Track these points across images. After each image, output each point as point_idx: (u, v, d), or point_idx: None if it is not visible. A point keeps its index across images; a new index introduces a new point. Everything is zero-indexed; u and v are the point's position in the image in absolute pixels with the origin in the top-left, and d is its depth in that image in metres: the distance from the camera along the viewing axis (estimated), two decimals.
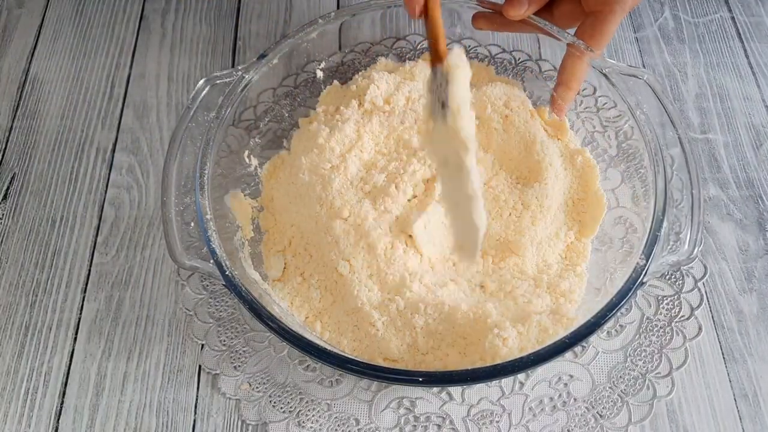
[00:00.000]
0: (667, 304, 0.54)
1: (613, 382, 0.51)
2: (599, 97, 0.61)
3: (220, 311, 0.54)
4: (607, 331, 0.53)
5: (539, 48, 0.68)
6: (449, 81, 0.41)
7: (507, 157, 0.58)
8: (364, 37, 0.66)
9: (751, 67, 0.69)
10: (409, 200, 0.54)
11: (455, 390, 0.50)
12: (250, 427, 0.49)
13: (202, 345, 0.52)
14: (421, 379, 0.43)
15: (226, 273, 0.45)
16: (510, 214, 0.55)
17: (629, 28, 0.72)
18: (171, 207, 0.49)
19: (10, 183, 0.61)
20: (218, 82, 0.54)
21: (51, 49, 0.71)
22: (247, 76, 0.54)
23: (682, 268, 0.55)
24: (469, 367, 0.43)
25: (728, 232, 0.58)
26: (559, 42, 0.56)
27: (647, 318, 0.53)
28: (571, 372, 0.51)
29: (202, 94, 0.53)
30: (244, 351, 0.52)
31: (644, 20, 0.73)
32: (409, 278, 0.50)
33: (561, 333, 0.46)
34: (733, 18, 0.73)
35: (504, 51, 0.67)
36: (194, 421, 0.50)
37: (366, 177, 0.54)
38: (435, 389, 0.51)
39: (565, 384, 0.51)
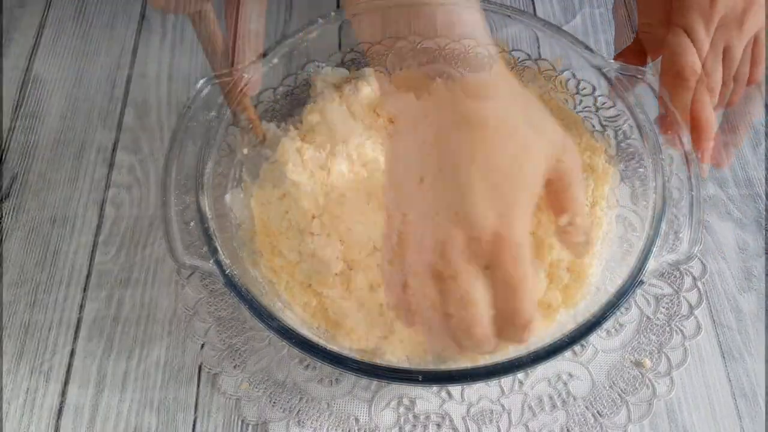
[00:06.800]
0: (667, 303, 0.54)
1: (613, 380, 0.51)
2: (598, 96, 0.61)
3: (220, 310, 0.54)
4: (607, 330, 0.53)
5: (539, 48, 0.68)
6: None
7: None
8: None
9: None
10: None
11: (455, 389, 0.51)
12: (250, 426, 0.50)
13: (203, 344, 0.52)
14: (420, 378, 0.43)
15: (227, 272, 0.45)
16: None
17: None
18: (171, 206, 0.48)
19: (11, 183, 0.61)
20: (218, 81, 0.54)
21: (52, 49, 0.71)
22: (247, 76, 0.54)
23: (681, 267, 0.55)
24: (469, 366, 0.43)
25: (727, 231, 0.58)
26: (561, 42, 0.56)
27: (647, 317, 0.53)
28: (570, 371, 0.51)
29: (203, 94, 0.53)
30: (244, 350, 0.52)
31: None
32: None
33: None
34: None
35: (503, 51, 0.67)
36: (194, 419, 0.50)
37: None
38: (434, 388, 0.51)
39: (565, 383, 0.51)
